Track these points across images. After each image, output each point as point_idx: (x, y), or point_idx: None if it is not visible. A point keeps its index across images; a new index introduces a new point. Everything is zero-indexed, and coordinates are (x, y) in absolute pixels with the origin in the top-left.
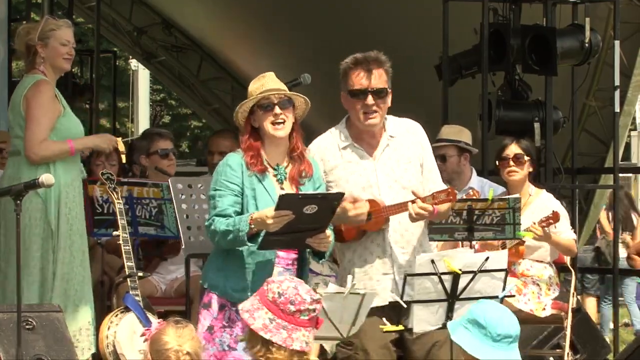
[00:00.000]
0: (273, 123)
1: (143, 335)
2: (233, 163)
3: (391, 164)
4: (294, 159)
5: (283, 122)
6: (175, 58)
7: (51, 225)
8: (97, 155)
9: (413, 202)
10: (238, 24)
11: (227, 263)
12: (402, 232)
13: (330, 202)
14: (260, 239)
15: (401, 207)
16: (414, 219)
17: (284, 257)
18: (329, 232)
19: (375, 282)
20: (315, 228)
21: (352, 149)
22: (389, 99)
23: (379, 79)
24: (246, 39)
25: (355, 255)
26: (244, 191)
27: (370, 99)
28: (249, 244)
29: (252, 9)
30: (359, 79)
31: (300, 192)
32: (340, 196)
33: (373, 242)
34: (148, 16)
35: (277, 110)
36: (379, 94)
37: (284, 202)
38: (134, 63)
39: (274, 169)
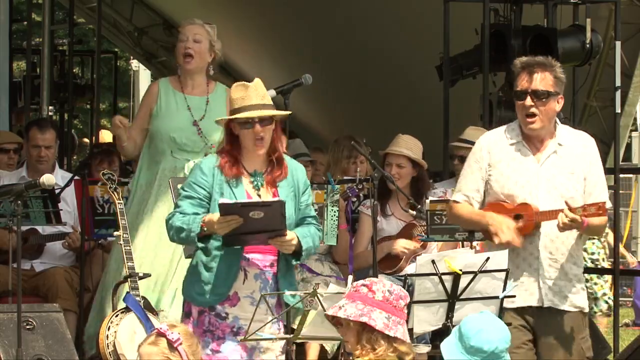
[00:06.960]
0: (253, 139)
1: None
2: (205, 167)
3: (554, 171)
4: (272, 163)
5: (262, 138)
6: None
7: None
8: (98, 156)
9: (563, 211)
10: (239, 25)
11: (197, 271)
12: (553, 238)
13: (274, 209)
14: (222, 239)
15: (552, 214)
16: (561, 228)
17: (259, 259)
18: (292, 235)
19: (520, 284)
20: (273, 229)
21: (519, 147)
22: (553, 103)
23: (541, 81)
24: (247, 39)
25: None
26: (212, 195)
27: (528, 100)
28: (199, 244)
29: (253, 9)
30: (522, 81)
31: (239, 201)
32: (280, 204)
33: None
34: (149, 16)
35: (258, 127)
36: (538, 95)
37: (224, 210)
38: (134, 63)
39: (251, 175)
